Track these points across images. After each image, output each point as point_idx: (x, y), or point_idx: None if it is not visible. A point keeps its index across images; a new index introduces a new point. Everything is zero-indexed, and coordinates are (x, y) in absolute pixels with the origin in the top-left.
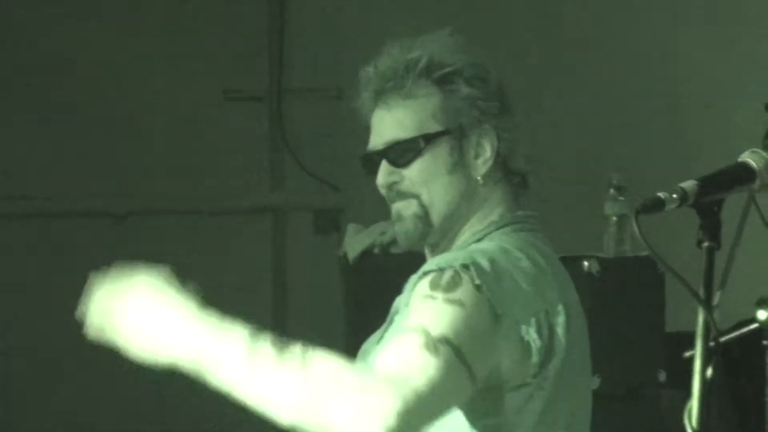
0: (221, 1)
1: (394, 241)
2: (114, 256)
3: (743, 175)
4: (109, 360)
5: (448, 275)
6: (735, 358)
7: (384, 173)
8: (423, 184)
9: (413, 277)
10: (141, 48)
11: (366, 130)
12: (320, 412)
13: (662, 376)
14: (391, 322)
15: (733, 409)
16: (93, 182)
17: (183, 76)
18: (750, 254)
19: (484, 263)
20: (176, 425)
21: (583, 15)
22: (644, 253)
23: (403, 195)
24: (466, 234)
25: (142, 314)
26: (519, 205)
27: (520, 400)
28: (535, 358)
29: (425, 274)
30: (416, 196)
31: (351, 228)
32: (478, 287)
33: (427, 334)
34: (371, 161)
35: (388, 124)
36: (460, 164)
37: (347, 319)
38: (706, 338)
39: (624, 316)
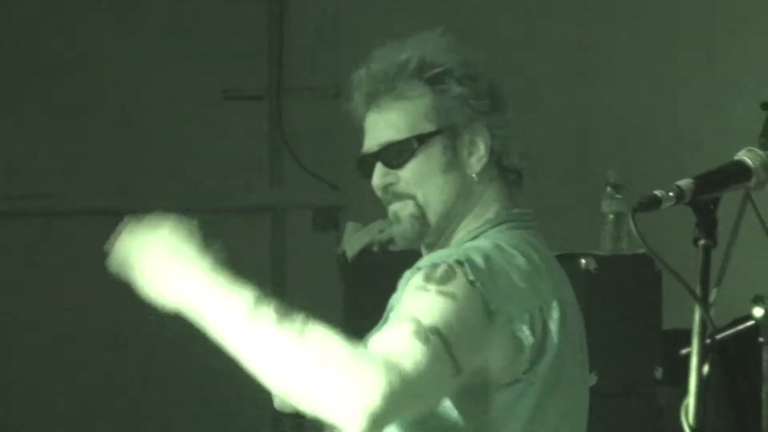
0: (221, 1)
1: (392, 240)
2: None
3: (739, 173)
4: (110, 359)
5: (441, 269)
6: (731, 355)
7: (379, 175)
8: (418, 185)
9: (407, 273)
10: (141, 48)
11: (361, 132)
12: (308, 384)
13: (659, 373)
14: (386, 320)
15: (729, 406)
16: (93, 181)
17: (183, 75)
18: (746, 252)
19: (478, 260)
20: (176, 425)
21: (581, 15)
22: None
23: (399, 196)
24: (462, 232)
25: (159, 258)
26: (514, 202)
27: (511, 397)
28: (527, 355)
29: (419, 269)
30: (412, 197)
31: (350, 226)
32: (471, 282)
33: (418, 323)
34: (366, 164)
35: (382, 127)
36: (454, 163)
37: (346, 316)
38: (702, 335)
39: (621, 313)
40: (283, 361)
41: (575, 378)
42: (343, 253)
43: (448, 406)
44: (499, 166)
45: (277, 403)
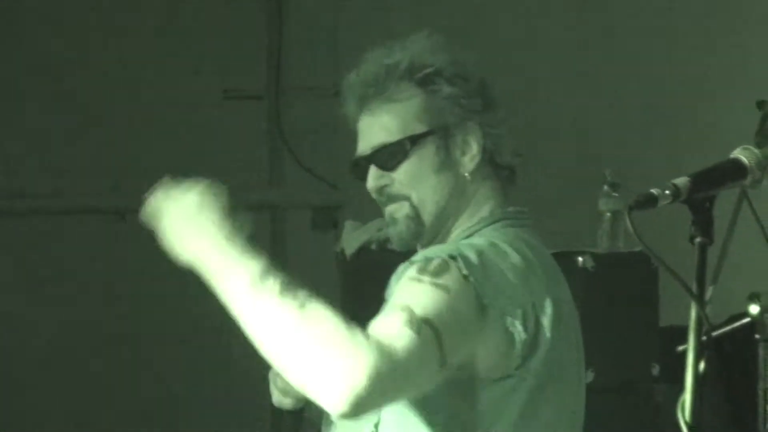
0: (221, 1)
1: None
2: (114, 253)
3: (735, 171)
4: (109, 357)
5: (436, 262)
6: (727, 352)
7: (373, 178)
8: (412, 186)
9: (401, 267)
10: (141, 47)
11: (355, 135)
12: (298, 358)
13: (656, 370)
14: None
15: (725, 402)
16: (93, 180)
17: (183, 75)
18: (742, 249)
19: (472, 255)
20: (177, 425)
21: (579, 15)
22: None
23: (394, 198)
24: (457, 231)
25: (182, 216)
26: (510, 200)
27: (502, 392)
28: (518, 351)
29: (412, 263)
30: (407, 198)
31: (348, 225)
32: (465, 277)
33: (411, 312)
34: (360, 166)
35: (374, 129)
36: (447, 163)
37: (344, 314)
38: (698, 332)
39: (618, 310)
40: (279, 332)
41: (570, 375)
42: (342, 252)
43: (436, 400)
44: (492, 164)
45: (275, 399)
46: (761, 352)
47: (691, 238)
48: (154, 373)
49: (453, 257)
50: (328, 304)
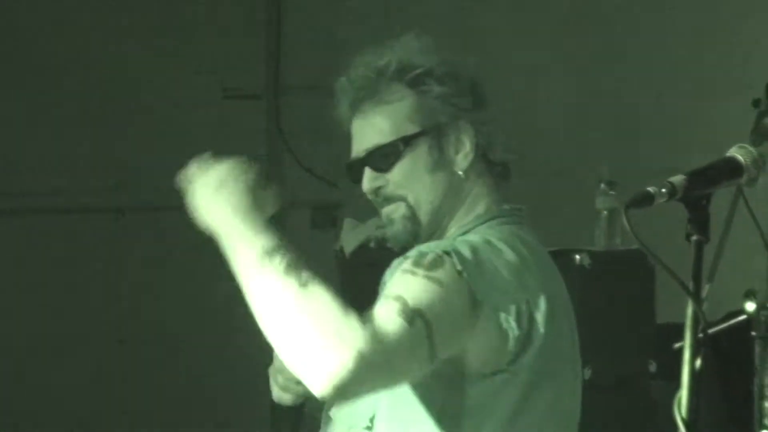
0: (220, 1)
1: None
2: (114, 251)
3: (731, 169)
4: (108, 356)
5: (430, 257)
6: (723, 349)
7: (368, 179)
8: (407, 186)
9: (395, 261)
10: (141, 47)
11: (349, 138)
12: (290, 335)
13: (653, 367)
14: None
15: (722, 399)
16: (94, 178)
17: (182, 75)
18: (738, 247)
19: (466, 252)
20: (177, 422)
21: (573, 14)
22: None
23: (390, 198)
24: (453, 228)
25: (209, 186)
26: (505, 197)
27: (495, 387)
28: (511, 346)
29: (407, 257)
30: (402, 198)
31: (347, 223)
32: (459, 272)
33: (404, 303)
34: (355, 169)
35: (367, 132)
36: (440, 162)
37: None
38: (695, 330)
39: (615, 308)
40: (276, 308)
41: (565, 371)
42: (341, 250)
43: (429, 394)
44: (485, 161)
45: (275, 395)
46: (757, 349)
47: (688, 236)
48: (153, 370)
49: (447, 253)
50: (329, 288)
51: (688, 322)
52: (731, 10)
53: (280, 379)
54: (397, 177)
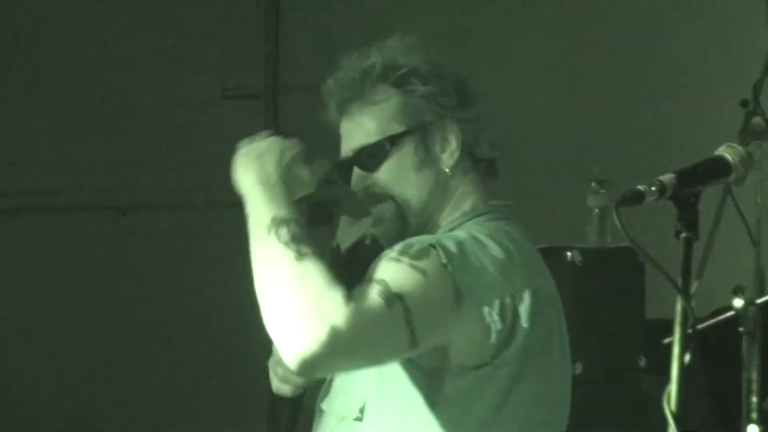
0: (219, 1)
1: None
2: (115, 250)
3: (719, 168)
4: (109, 353)
5: (416, 247)
6: (712, 345)
7: (357, 179)
8: (395, 185)
9: (383, 254)
10: (142, 48)
11: (338, 139)
12: (276, 304)
13: (642, 362)
14: None
15: (710, 393)
16: (95, 177)
17: (182, 75)
18: (726, 244)
19: (451, 246)
20: (177, 415)
21: (568, 15)
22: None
23: (379, 197)
24: (441, 225)
25: (247, 157)
26: (490, 192)
27: (478, 379)
28: (494, 340)
29: (393, 249)
30: (391, 197)
31: (344, 220)
32: (443, 265)
33: (386, 285)
34: (344, 169)
35: (354, 132)
36: (427, 160)
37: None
38: (684, 325)
39: (605, 304)
40: (270, 277)
41: (552, 366)
42: (337, 246)
43: (415, 386)
44: (471, 158)
45: (274, 386)
46: (745, 344)
47: (677, 234)
48: (155, 366)
49: (433, 246)
50: (324, 266)
51: (678, 318)
52: (721, 13)
53: (279, 370)
54: (384, 176)
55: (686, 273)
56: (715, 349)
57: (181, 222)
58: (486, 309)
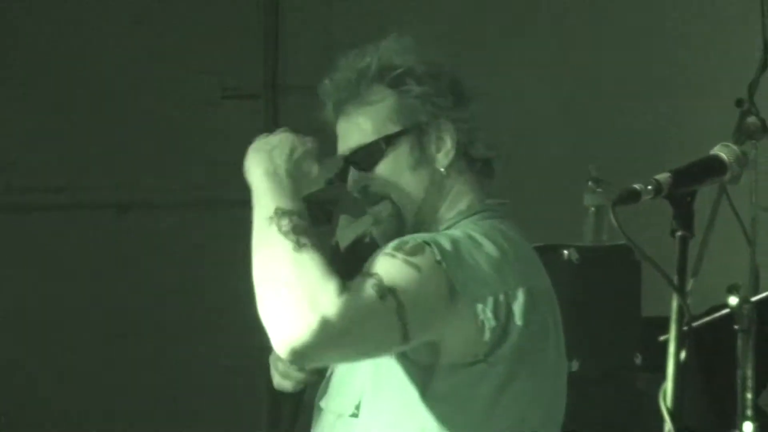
0: (218, 1)
1: None
2: (115, 248)
3: (715, 167)
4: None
5: (411, 243)
6: (707, 342)
7: (353, 178)
8: (391, 184)
9: (379, 250)
10: (142, 48)
11: (335, 138)
12: (270, 292)
13: (638, 359)
14: None
15: (705, 390)
16: (95, 176)
17: (182, 75)
18: (721, 243)
19: (446, 244)
20: (177, 410)
21: (563, 15)
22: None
23: (376, 197)
24: (436, 224)
25: (262, 147)
26: (486, 191)
27: (472, 377)
28: (488, 337)
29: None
30: (387, 197)
31: (343, 218)
32: (438, 262)
33: (379, 279)
34: (341, 169)
35: (351, 132)
36: (422, 160)
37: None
38: (680, 323)
39: (602, 301)
40: (267, 265)
41: (547, 364)
42: (337, 245)
43: (410, 382)
44: (466, 158)
45: (276, 382)
46: (740, 342)
47: (673, 232)
48: (153, 363)
49: (428, 243)
50: (323, 258)
51: (673, 316)
52: (716, 14)
53: (280, 366)
54: (380, 176)
55: (682, 271)
56: (711, 346)
57: (181, 221)
58: (480, 306)
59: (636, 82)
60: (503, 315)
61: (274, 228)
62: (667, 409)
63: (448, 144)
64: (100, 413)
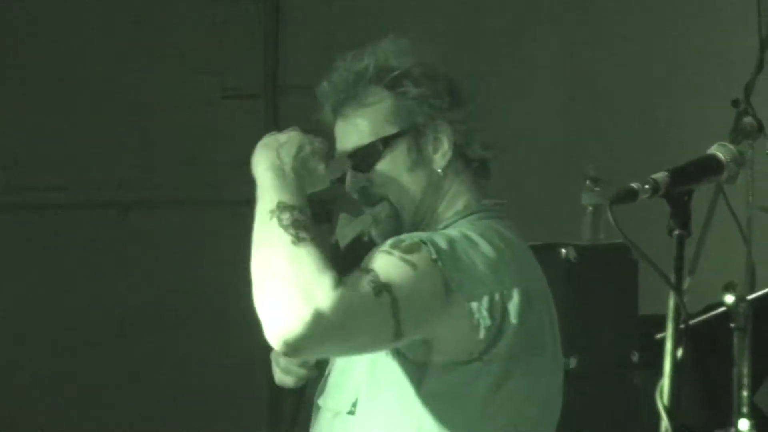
0: (218, 1)
1: None
2: (116, 247)
3: (712, 166)
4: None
5: (408, 241)
6: (704, 340)
7: (351, 180)
8: (388, 185)
9: (376, 247)
10: (142, 48)
11: (333, 140)
12: (266, 284)
13: (635, 357)
14: None
15: (702, 387)
16: (96, 175)
17: (182, 75)
18: (718, 241)
19: (442, 243)
20: (177, 408)
21: (560, 14)
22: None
23: (374, 198)
24: (434, 224)
25: (269, 143)
26: (483, 191)
27: (467, 375)
28: (483, 336)
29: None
30: (385, 198)
31: (343, 217)
32: (434, 261)
33: (375, 275)
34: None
35: (348, 134)
36: (419, 161)
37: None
38: (676, 321)
39: (599, 300)
40: (264, 255)
41: (542, 362)
42: (336, 243)
43: (406, 380)
44: (463, 159)
45: (277, 378)
46: (736, 340)
47: (670, 231)
48: (153, 362)
49: (424, 242)
50: (321, 252)
51: (670, 314)
52: (713, 14)
53: (282, 362)
54: (378, 177)
55: (679, 270)
56: (707, 344)
57: (182, 220)
58: (475, 305)
59: (634, 82)
60: (499, 314)
61: (275, 221)
62: (664, 406)
63: (445, 145)
64: (100, 413)
